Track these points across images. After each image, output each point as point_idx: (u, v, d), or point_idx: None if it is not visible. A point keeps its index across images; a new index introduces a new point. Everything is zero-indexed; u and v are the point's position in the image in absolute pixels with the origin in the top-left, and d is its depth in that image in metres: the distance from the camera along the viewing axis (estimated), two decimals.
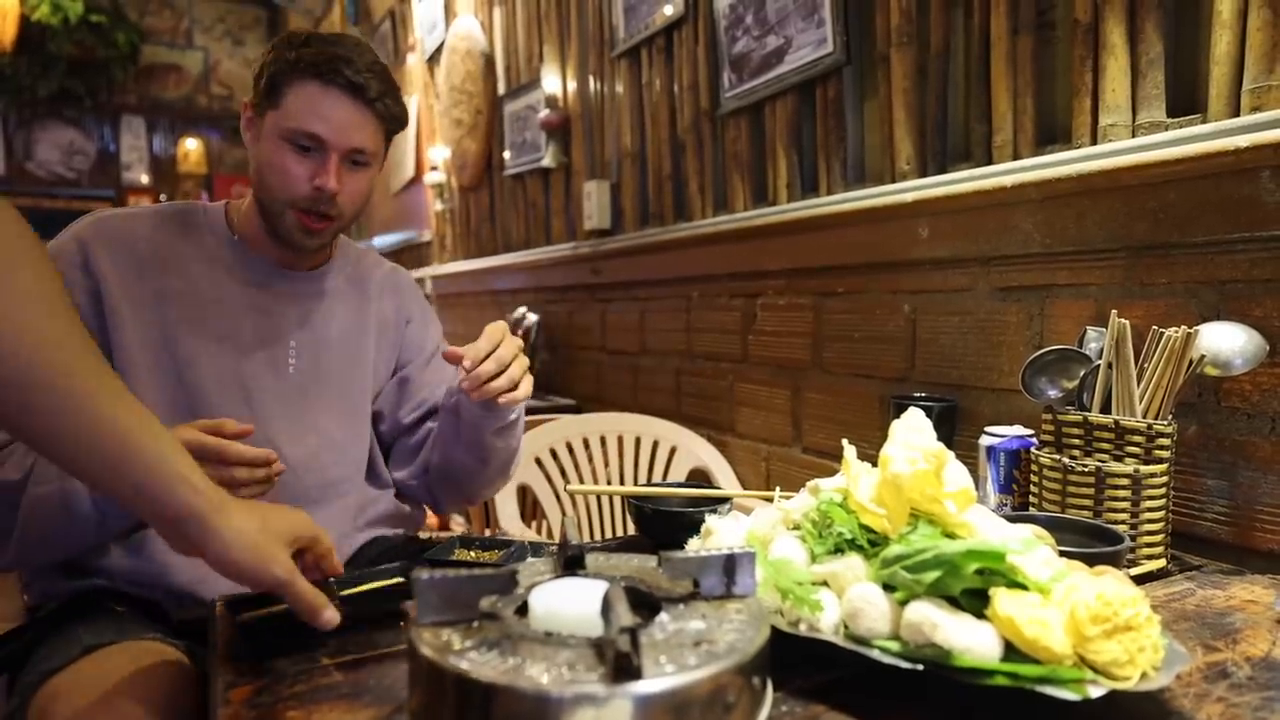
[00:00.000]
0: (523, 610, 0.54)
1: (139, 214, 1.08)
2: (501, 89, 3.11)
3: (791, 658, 0.60)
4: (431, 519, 2.28)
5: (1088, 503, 0.90)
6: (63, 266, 0.98)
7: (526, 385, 1.03)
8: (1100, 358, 0.94)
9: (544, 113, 2.63)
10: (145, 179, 7.30)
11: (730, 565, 0.57)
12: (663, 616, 0.53)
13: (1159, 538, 0.89)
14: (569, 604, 0.53)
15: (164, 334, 1.02)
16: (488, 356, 0.97)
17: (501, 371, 0.99)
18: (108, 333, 0.99)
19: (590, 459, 1.84)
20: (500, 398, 1.00)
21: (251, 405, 1.06)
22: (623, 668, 0.45)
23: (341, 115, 1.02)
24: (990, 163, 1.27)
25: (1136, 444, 0.89)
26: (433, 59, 3.72)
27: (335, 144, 1.02)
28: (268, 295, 1.10)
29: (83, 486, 0.83)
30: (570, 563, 0.61)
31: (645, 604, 0.56)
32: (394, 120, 1.08)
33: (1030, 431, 1.04)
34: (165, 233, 1.06)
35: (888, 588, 0.59)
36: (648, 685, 0.44)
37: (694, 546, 0.77)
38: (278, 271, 1.12)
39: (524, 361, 1.04)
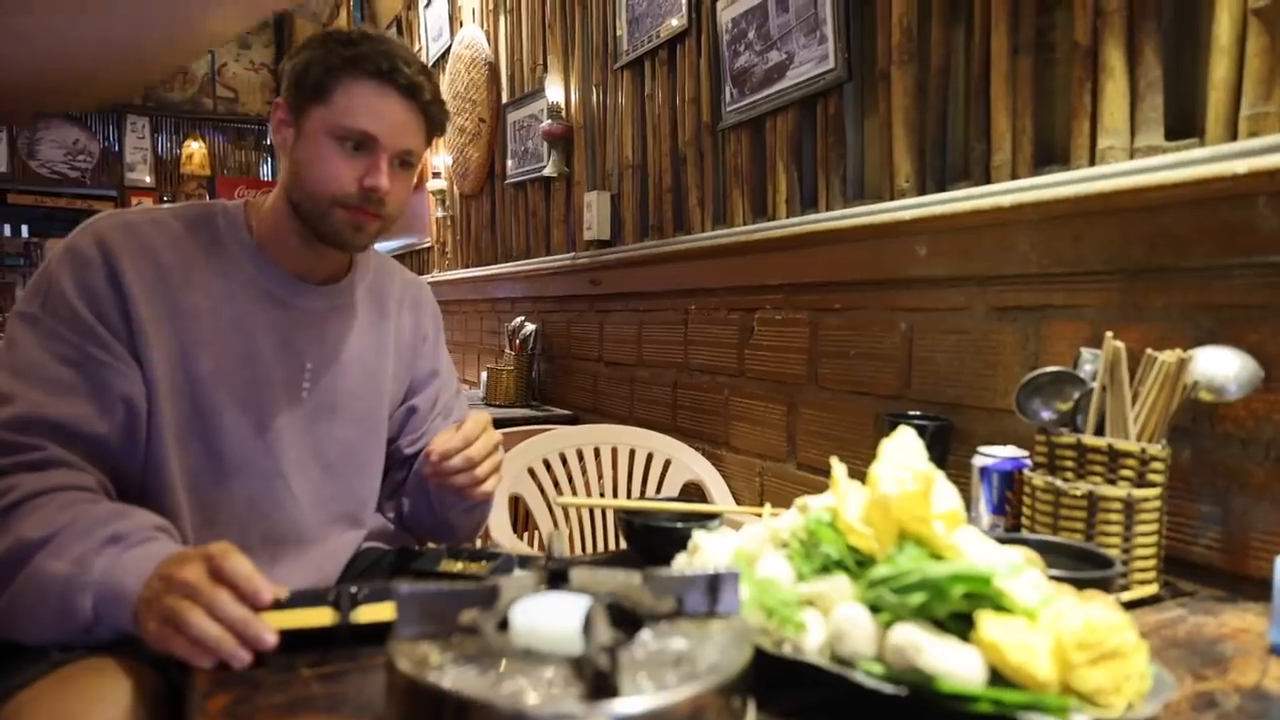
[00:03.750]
0: (504, 625, 0.54)
1: (161, 219, 1.01)
2: (505, 98, 3.11)
3: (774, 678, 0.59)
4: None
5: (1080, 526, 0.89)
6: (89, 275, 0.93)
7: (491, 484, 1.02)
8: (1095, 380, 0.94)
9: (546, 123, 2.63)
10: (148, 179, 7.31)
11: (714, 584, 0.57)
12: (644, 634, 0.53)
13: (1151, 563, 0.89)
14: (550, 620, 0.52)
15: (183, 352, 0.97)
16: (457, 453, 0.97)
17: (467, 469, 0.98)
18: (138, 351, 0.94)
19: (584, 471, 1.83)
20: (461, 491, 1.00)
21: (264, 434, 1.02)
22: (601, 686, 0.44)
23: (397, 115, 0.99)
24: (989, 182, 1.27)
25: (1130, 467, 0.88)
26: (437, 66, 3.73)
27: (388, 144, 0.99)
28: (287, 312, 1.05)
29: (95, 580, 0.75)
30: (554, 577, 0.61)
31: (628, 621, 0.55)
32: (440, 126, 1.06)
33: (1024, 452, 1.03)
34: (188, 243, 1.01)
35: (874, 609, 0.58)
36: (625, 705, 0.44)
37: (681, 563, 0.76)
38: (299, 285, 1.06)
39: (495, 460, 1.02)
